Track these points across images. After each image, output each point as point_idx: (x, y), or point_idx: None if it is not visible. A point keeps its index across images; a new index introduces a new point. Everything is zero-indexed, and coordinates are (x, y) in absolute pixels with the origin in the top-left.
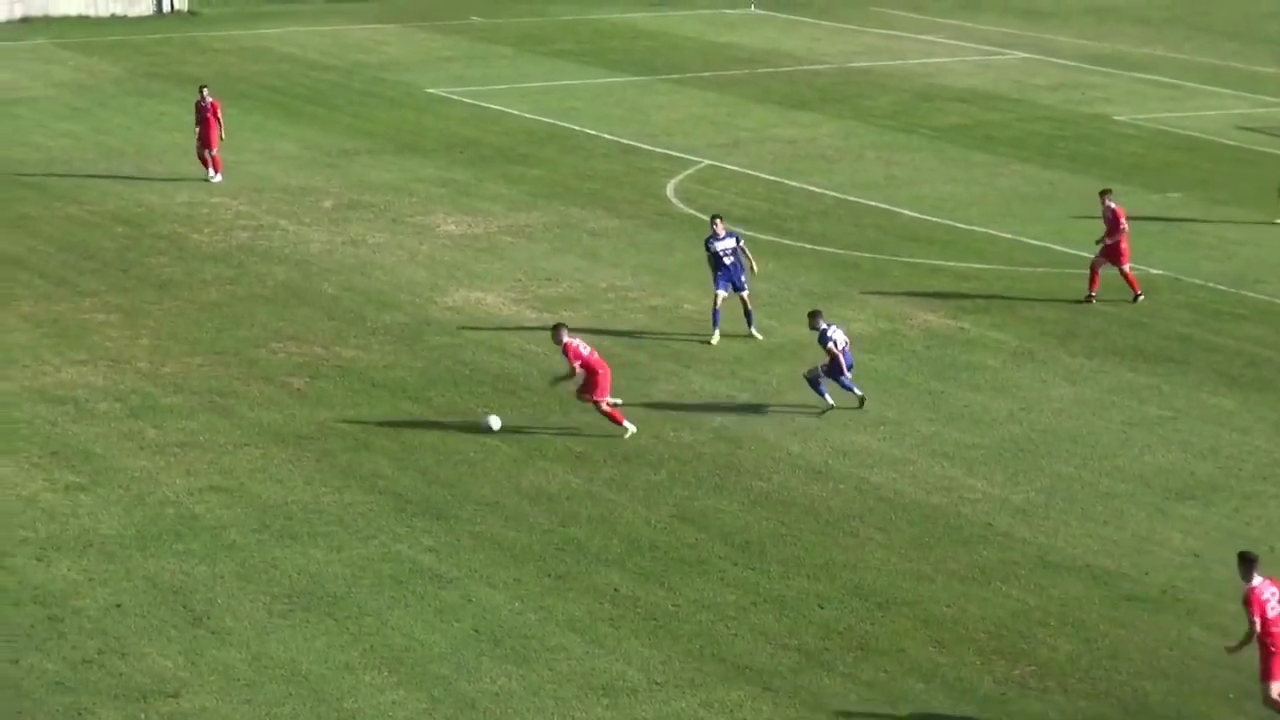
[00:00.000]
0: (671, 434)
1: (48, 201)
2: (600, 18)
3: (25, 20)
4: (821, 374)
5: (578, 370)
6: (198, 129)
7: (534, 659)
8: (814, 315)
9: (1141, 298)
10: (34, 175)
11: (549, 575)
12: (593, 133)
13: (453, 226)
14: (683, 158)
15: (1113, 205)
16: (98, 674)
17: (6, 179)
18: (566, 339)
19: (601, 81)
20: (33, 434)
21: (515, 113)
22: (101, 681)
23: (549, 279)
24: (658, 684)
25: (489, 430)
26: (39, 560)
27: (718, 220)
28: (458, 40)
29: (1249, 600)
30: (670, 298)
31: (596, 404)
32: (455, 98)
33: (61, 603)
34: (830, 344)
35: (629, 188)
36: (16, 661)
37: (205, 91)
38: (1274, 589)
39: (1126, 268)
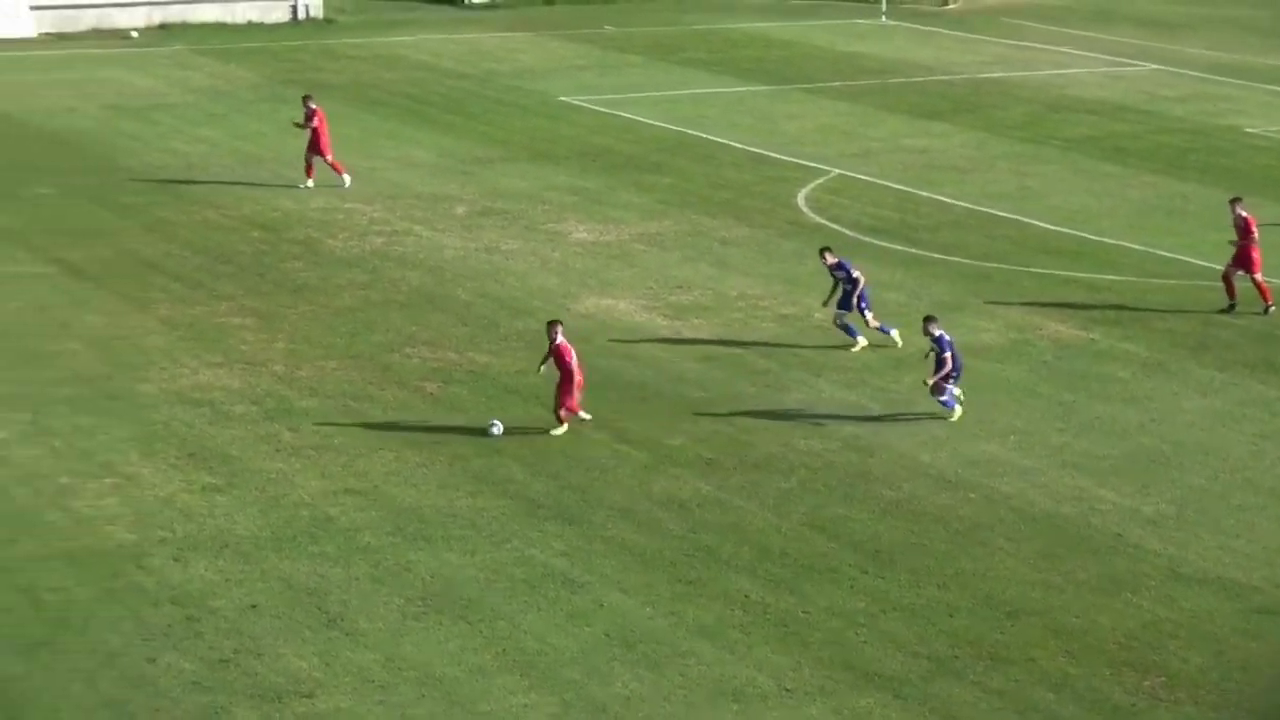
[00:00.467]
0: (802, 442)
1: (185, 206)
2: (732, 27)
3: (164, 27)
4: (941, 381)
5: (552, 363)
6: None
7: (665, 664)
8: (929, 320)
9: (1272, 308)
10: (172, 180)
11: (680, 581)
12: (724, 142)
13: (585, 234)
14: (813, 167)
15: (1243, 213)
16: (234, 674)
17: (146, 184)
18: (560, 340)
19: (733, 90)
20: (170, 436)
21: (647, 121)
22: (237, 681)
23: (680, 287)
24: (788, 690)
25: (492, 436)
26: (176, 560)
27: (827, 252)
28: (590, 49)
29: None
30: (801, 306)
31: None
32: (587, 106)
33: (198, 603)
34: (949, 350)
35: (760, 197)
36: (154, 660)
37: (309, 101)
38: None
39: (1258, 276)
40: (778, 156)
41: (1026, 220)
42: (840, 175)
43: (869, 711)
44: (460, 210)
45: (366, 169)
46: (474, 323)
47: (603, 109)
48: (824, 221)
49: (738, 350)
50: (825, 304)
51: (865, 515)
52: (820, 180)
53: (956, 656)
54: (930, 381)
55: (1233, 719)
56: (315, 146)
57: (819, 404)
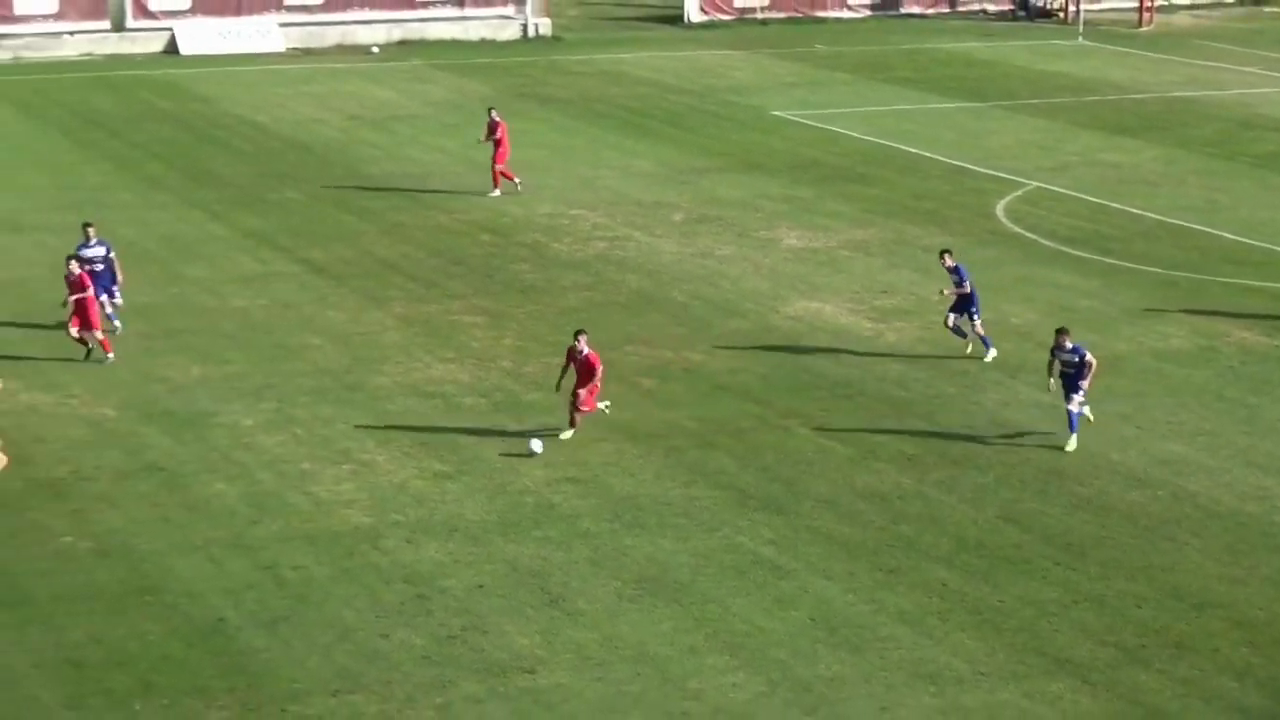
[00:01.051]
0: (998, 440)
1: (420, 210)
2: (936, 47)
3: (403, 43)
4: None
5: (599, 371)
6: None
7: (866, 648)
8: (1061, 333)
9: None
10: (409, 187)
11: (881, 569)
12: (927, 155)
13: (795, 240)
14: (1012, 180)
15: None
16: (460, 649)
17: (384, 190)
18: (586, 350)
19: (936, 107)
20: (404, 425)
21: (854, 135)
22: (464, 656)
23: (884, 292)
24: (982, 674)
25: (532, 454)
26: (408, 542)
27: (947, 255)
28: (802, 67)
29: None
30: (998, 312)
31: (581, 403)
32: (799, 120)
33: (429, 582)
34: (1082, 355)
35: (960, 207)
36: (387, 636)
37: (494, 112)
38: None
39: None
40: (978, 169)
41: (1214, 232)
42: (1038, 188)
43: (1059, 696)
44: (678, 217)
45: (590, 178)
46: (689, 323)
47: (813, 123)
48: (1021, 231)
49: (938, 352)
50: (945, 322)
51: (1057, 510)
52: (1018, 192)
53: (1143, 646)
54: (1068, 394)
55: None
56: (496, 155)
57: (1014, 403)
